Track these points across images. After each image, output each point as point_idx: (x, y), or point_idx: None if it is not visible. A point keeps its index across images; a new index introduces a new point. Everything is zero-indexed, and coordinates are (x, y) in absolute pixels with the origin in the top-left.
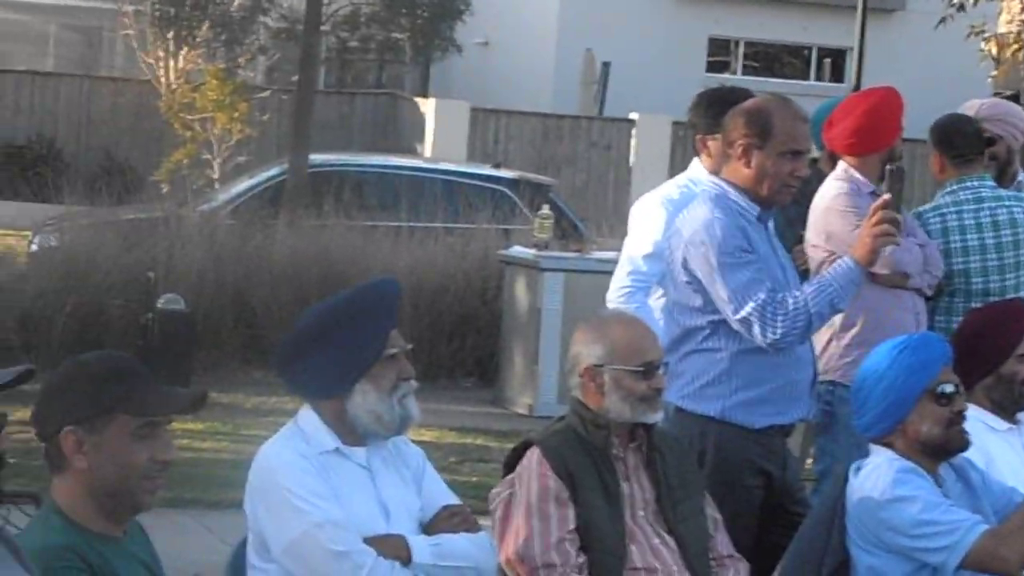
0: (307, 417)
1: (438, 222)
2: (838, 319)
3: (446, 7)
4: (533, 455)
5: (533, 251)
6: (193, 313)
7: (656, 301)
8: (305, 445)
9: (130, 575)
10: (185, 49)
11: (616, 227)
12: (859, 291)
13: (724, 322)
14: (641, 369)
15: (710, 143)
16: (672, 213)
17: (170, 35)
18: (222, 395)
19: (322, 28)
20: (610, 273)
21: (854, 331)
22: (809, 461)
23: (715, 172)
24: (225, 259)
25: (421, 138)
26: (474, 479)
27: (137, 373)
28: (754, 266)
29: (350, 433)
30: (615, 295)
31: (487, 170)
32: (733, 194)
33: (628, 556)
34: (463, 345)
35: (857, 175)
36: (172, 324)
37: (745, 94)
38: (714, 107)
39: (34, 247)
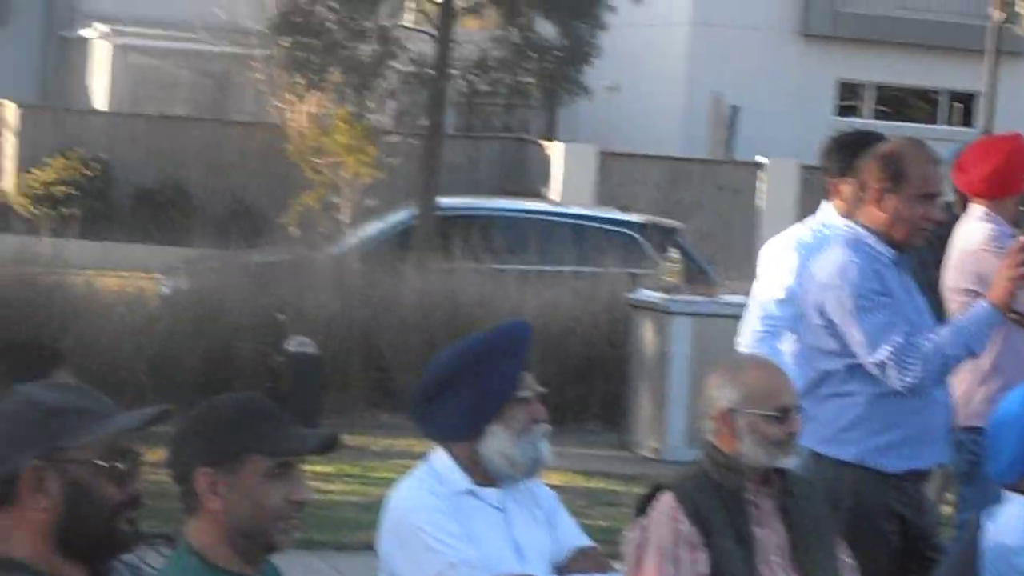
0: (440, 458)
1: (565, 266)
2: (986, 364)
3: (575, 51)
4: (666, 499)
5: (661, 295)
6: (322, 356)
7: (787, 345)
8: (439, 485)
9: None
10: (314, 93)
11: (744, 271)
12: (998, 334)
13: (860, 366)
14: (776, 414)
15: (842, 187)
16: (804, 257)
17: (300, 79)
18: (350, 437)
19: (451, 72)
20: (739, 317)
21: (1002, 377)
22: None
23: (848, 215)
24: (354, 302)
25: (548, 182)
26: (602, 523)
27: (271, 414)
28: (889, 309)
29: (482, 474)
30: (746, 339)
31: (615, 214)
32: (867, 238)
33: None
34: (590, 389)
35: (999, 217)
36: (302, 366)
37: (877, 138)
38: (846, 151)
39: (164, 290)
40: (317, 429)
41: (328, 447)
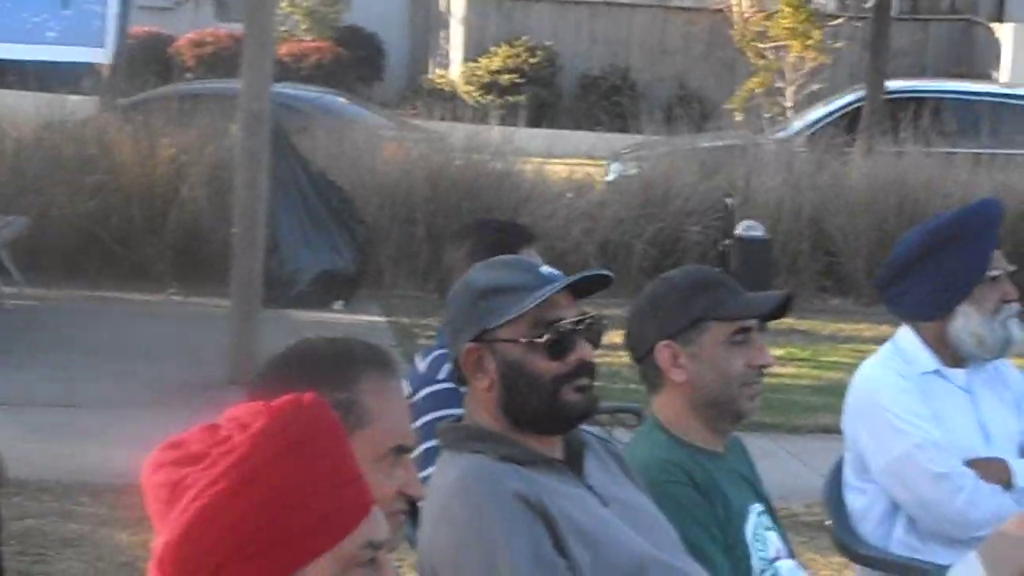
0: (906, 338)
1: (1018, 149)
2: None
3: None
4: None
5: None
6: (770, 240)
7: None
8: (905, 366)
9: (732, 490)
10: None
11: None
12: None
13: None
14: None
15: None
16: None
17: None
18: (800, 322)
19: None
20: None
21: None
22: None
23: None
24: (801, 186)
25: (996, 64)
26: None
27: (723, 282)
28: None
29: (950, 355)
30: None
31: None
32: None
33: None
34: None
35: None
36: (750, 251)
37: None
38: None
39: (612, 175)
40: (770, 292)
41: (784, 309)
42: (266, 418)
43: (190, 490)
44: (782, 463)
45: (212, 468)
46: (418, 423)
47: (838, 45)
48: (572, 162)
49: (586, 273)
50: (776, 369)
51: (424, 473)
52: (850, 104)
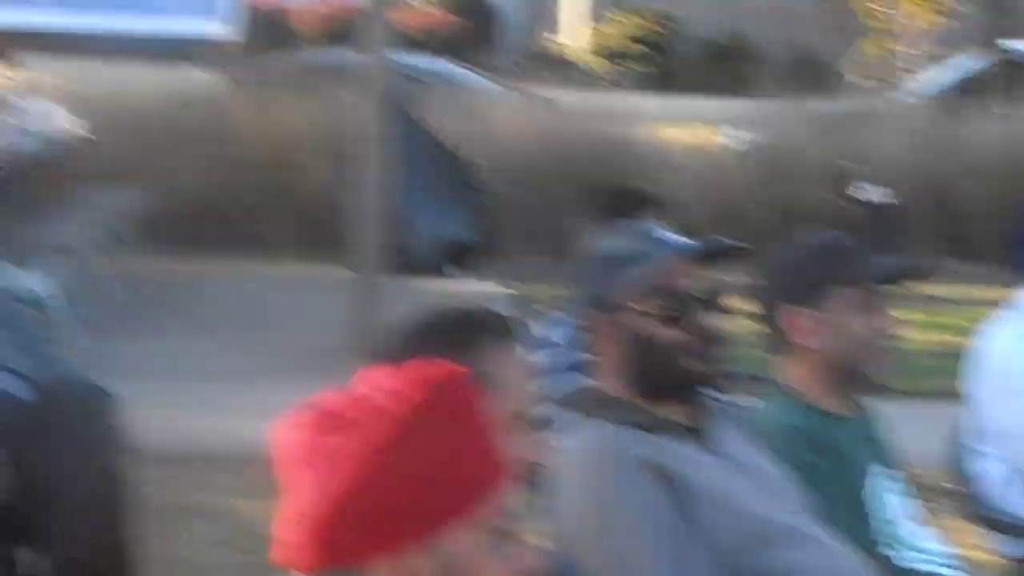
0: None
1: None
2: None
3: None
4: None
5: None
6: (894, 204)
7: None
8: None
9: (857, 454)
10: None
11: None
12: None
13: None
14: None
15: None
16: None
17: None
18: (924, 286)
19: None
20: None
21: None
22: None
23: None
24: (923, 149)
25: None
26: None
27: (849, 247)
28: None
29: None
30: None
31: None
32: None
33: None
34: None
35: None
36: (873, 215)
37: None
38: None
39: (730, 141)
40: (897, 257)
41: (912, 276)
42: (423, 389)
43: (344, 456)
44: (905, 427)
45: (370, 437)
46: (538, 389)
47: (956, 5)
48: (691, 127)
49: (705, 241)
50: (900, 333)
51: (545, 439)
52: (972, 66)
